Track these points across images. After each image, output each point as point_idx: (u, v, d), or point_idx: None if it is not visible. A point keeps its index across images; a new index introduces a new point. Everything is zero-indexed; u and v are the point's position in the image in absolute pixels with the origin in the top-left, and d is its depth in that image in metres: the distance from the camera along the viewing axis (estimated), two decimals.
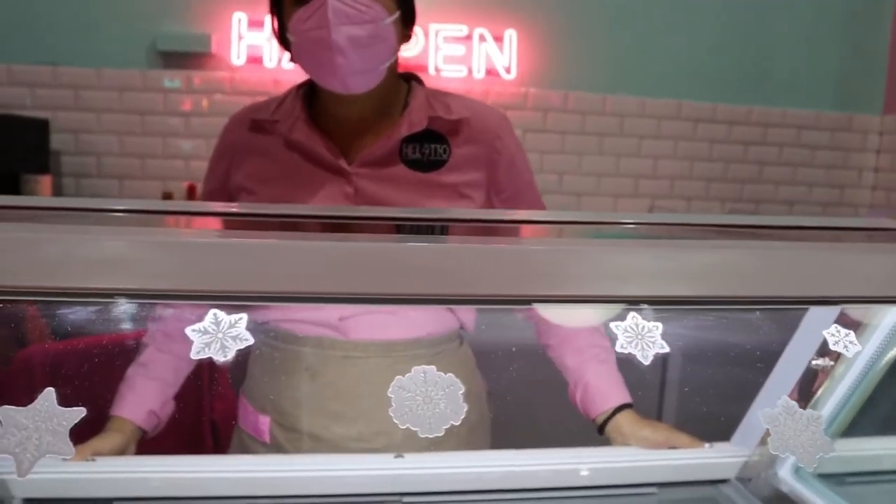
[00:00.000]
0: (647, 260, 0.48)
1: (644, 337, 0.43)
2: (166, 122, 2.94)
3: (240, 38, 2.89)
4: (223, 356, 0.39)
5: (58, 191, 2.85)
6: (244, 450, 1.14)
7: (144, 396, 1.06)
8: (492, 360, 1.21)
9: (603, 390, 1.11)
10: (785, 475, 1.03)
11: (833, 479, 1.03)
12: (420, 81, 1.20)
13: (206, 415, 1.43)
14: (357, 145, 1.13)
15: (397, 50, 1.10)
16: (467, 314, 1.16)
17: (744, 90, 3.26)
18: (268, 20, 3.05)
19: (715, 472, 1.08)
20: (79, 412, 0.36)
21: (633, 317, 0.44)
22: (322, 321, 1.07)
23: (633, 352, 0.43)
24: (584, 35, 3.11)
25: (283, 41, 1.14)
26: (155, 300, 0.42)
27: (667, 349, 0.44)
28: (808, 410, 0.45)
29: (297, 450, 1.09)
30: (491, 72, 3.02)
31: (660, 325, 0.44)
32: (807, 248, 0.60)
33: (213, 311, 0.39)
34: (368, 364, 1.09)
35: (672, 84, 3.19)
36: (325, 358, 1.08)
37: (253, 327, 1.08)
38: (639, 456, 1.07)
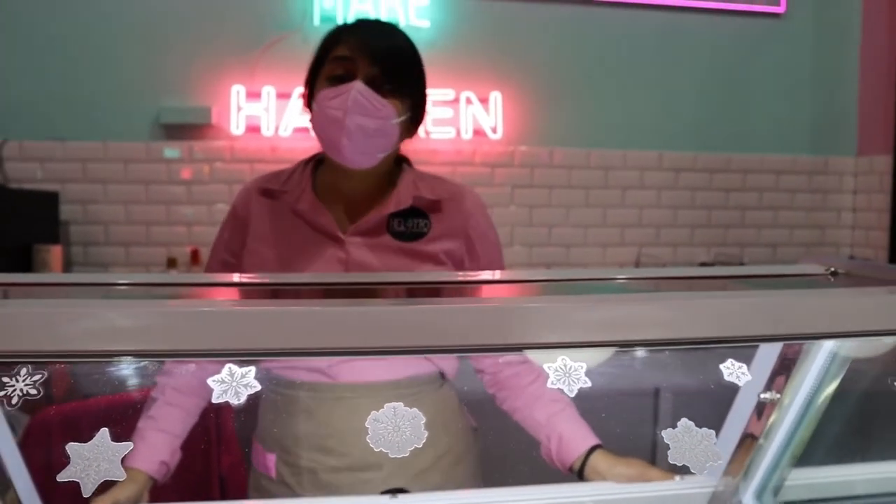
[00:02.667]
0: (612, 313, 0.59)
1: (570, 375, 0.54)
2: (169, 190, 3.08)
3: (238, 109, 3.05)
4: (237, 401, 0.50)
5: (67, 259, 2.97)
6: (257, 488, 1.25)
7: (155, 448, 1.16)
8: (478, 401, 1.34)
9: (575, 438, 1.21)
10: (748, 501, 1.11)
11: None
12: (410, 164, 1.36)
13: (214, 468, 1.54)
14: (351, 216, 1.28)
15: (397, 144, 1.26)
16: (447, 363, 1.27)
17: (722, 139, 3.41)
18: (265, 91, 3.20)
19: (686, 502, 1.17)
20: (126, 446, 0.47)
21: (562, 359, 0.54)
22: (314, 368, 1.20)
23: (562, 387, 0.54)
24: (566, 93, 3.27)
25: (309, 104, 1.28)
26: (178, 358, 0.53)
27: (589, 384, 0.54)
28: (703, 429, 0.55)
29: (299, 482, 1.19)
30: (478, 132, 3.17)
31: (584, 364, 0.54)
32: (755, 295, 0.71)
33: (228, 364, 0.50)
34: (356, 403, 1.20)
35: (652, 136, 3.34)
36: (319, 400, 1.21)
37: (260, 377, 1.22)
38: (614, 490, 1.16)
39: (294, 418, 1.23)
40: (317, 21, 3.06)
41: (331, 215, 1.27)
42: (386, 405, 0.55)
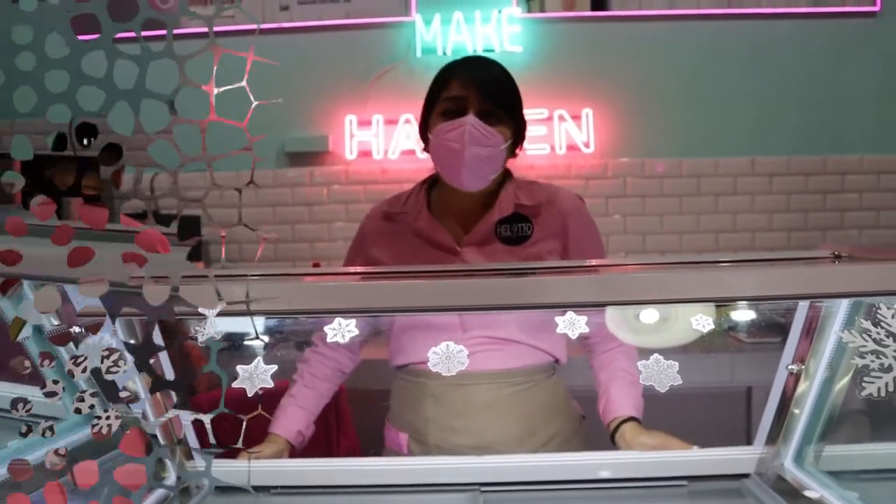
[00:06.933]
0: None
1: (574, 324, 0.75)
2: (294, 211, 3.46)
3: (352, 136, 3.39)
4: (343, 340, 0.75)
5: None
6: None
7: (294, 419, 1.46)
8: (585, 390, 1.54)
9: (618, 403, 1.40)
10: (788, 465, 1.26)
11: (837, 476, 1.23)
12: (511, 175, 1.53)
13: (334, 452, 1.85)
14: (464, 228, 1.47)
15: (504, 165, 1.45)
16: (559, 350, 1.47)
17: (817, 142, 3.42)
18: (374, 119, 3.51)
19: (736, 467, 1.32)
20: (272, 368, 0.73)
21: (569, 314, 0.75)
22: None
23: (566, 331, 0.75)
24: (656, 106, 3.41)
25: (423, 135, 1.48)
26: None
27: (586, 330, 0.76)
28: (669, 361, 0.75)
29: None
30: (572, 147, 3.36)
31: (585, 317, 0.76)
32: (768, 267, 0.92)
33: (337, 319, 0.75)
34: (478, 389, 1.41)
35: (744, 143, 3.41)
36: (445, 386, 1.41)
37: (395, 370, 1.49)
38: (670, 455, 1.33)
39: (423, 402, 1.43)
40: (419, 53, 3.36)
41: (446, 230, 1.46)
42: (442, 343, 0.78)
